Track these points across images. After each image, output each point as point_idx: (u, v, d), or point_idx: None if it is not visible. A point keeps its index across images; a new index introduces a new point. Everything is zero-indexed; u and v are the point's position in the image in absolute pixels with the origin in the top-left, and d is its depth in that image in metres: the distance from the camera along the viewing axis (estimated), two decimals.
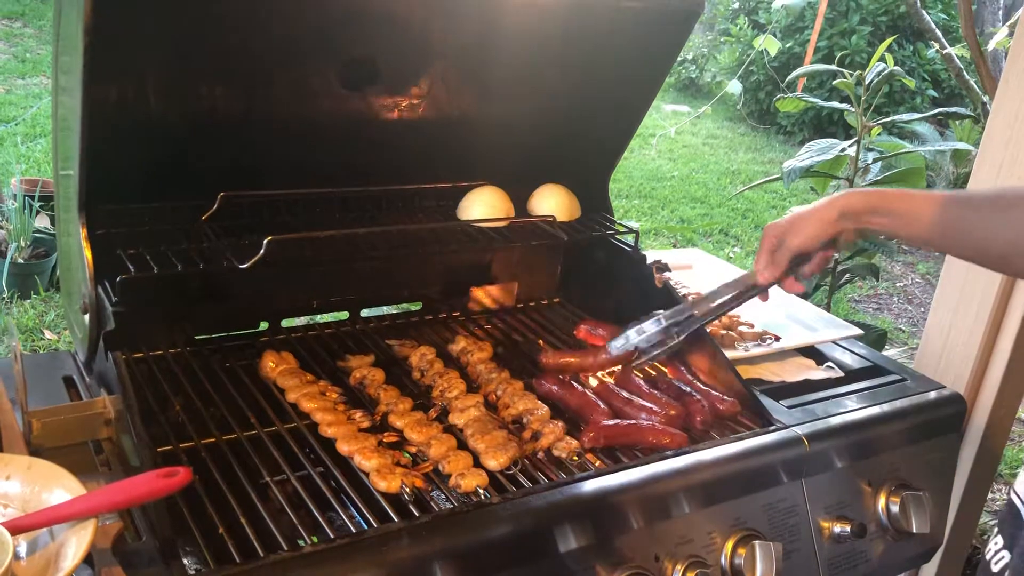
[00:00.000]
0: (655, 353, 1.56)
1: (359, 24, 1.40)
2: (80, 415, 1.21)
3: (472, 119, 1.61)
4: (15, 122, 6.72)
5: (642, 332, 1.56)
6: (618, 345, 1.57)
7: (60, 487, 0.97)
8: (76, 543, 0.92)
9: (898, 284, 6.04)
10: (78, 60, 1.14)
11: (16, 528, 0.90)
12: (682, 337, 1.54)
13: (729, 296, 1.53)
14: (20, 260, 4.30)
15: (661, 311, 1.56)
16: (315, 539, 1.13)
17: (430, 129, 1.60)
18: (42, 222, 4.56)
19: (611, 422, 1.41)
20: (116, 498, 0.94)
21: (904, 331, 5.24)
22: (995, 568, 1.28)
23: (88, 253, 1.29)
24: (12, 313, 4.16)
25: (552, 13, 1.53)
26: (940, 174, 6.31)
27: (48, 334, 4.01)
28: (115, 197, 1.34)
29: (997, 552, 1.29)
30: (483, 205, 1.61)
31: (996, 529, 1.32)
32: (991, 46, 3.70)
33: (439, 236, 1.55)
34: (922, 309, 5.63)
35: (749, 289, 1.52)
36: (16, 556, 0.89)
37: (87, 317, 1.31)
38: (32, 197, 4.50)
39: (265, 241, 1.30)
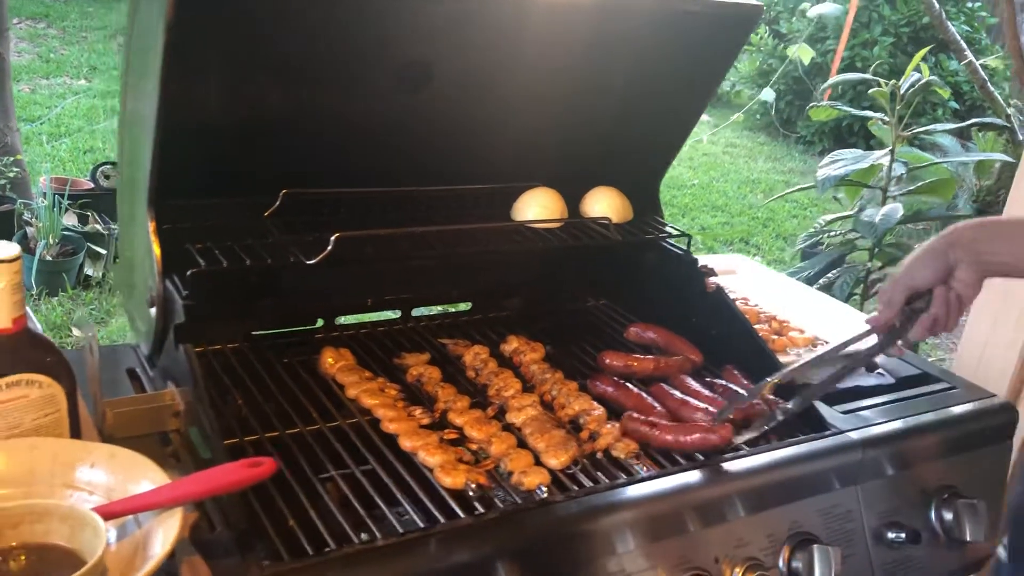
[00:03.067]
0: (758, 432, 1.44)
1: (416, 27, 1.41)
2: (150, 406, 1.23)
3: (526, 121, 1.61)
4: (40, 121, 6.77)
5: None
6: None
7: (144, 477, 0.98)
8: (163, 531, 0.92)
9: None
10: (156, 58, 1.15)
11: (108, 514, 0.91)
12: (785, 416, 1.45)
13: (838, 363, 1.44)
14: (48, 257, 4.34)
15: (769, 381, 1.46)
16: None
17: (484, 130, 1.61)
18: (70, 220, 4.60)
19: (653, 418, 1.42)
20: (204, 487, 0.95)
21: (927, 343, 5.22)
22: None
23: (157, 247, 1.30)
24: (40, 310, 4.19)
25: (610, 16, 1.53)
26: (963, 186, 6.28)
27: (76, 331, 4.04)
28: (181, 193, 1.35)
29: None
30: (537, 206, 1.62)
31: None
32: None
33: (496, 236, 1.56)
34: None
35: (860, 339, 1.43)
36: (107, 543, 0.89)
37: (153, 311, 1.32)
38: (61, 195, 4.53)
39: (333, 237, 1.31)
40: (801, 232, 5.32)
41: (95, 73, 8.32)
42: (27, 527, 0.91)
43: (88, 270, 4.54)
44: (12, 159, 4.72)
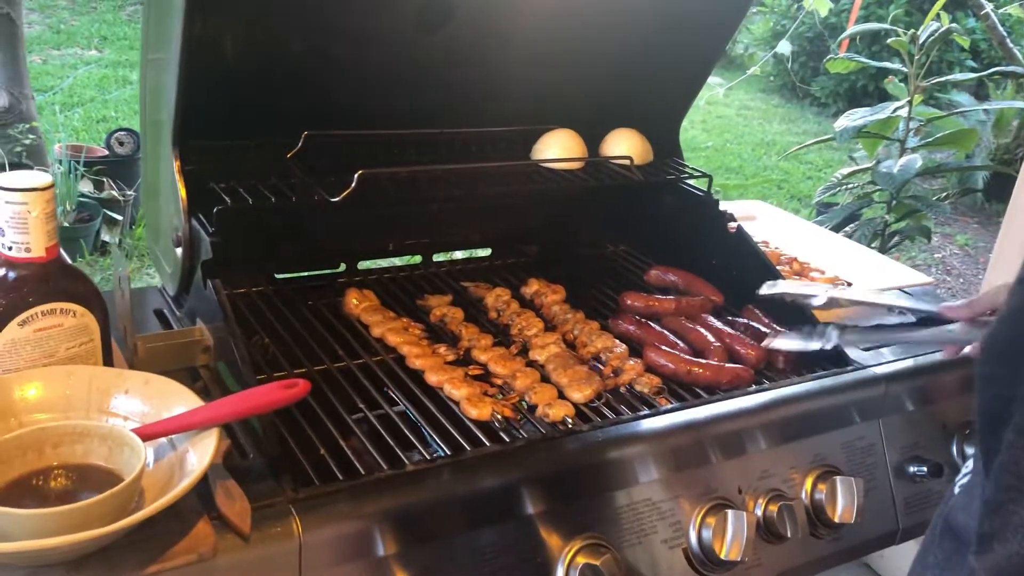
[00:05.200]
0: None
1: None
2: (180, 341, 1.24)
3: (547, 62, 1.60)
4: (53, 92, 6.77)
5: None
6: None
7: (178, 402, 1.00)
8: (198, 452, 0.94)
9: (936, 255, 5.99)
10: (179, 6, 1.16)
11: (145, 435, 0.93)
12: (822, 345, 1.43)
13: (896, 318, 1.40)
14: (65, 224, 4.36)
15: (829, 326, 1.45)
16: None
17: (505, 71, 1.60)
18: (86, 187, 4.61)
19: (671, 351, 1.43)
20: (240, 407, 0.96)
21: (946, 288, 5.22)
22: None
23: (182, 187, 1.31)
24: None
25: None
26: (980, 144, 6.22)
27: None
28: (205, 134, 1.36)
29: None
30: (558, 147, 1.62)
31: None
32: None
33: (516, 175, 1.56)
34: (961, 280, 5.59)
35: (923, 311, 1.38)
36: (145, 464, 0.91)
37: (179, 251, 1.33)
38: (77, 162, 4.55)
39: (356, 175, 1.31)
40: (816, 192, 5.29)
41: (106, 43, 8.31)
42: (67, 447, 0.93)
43: (105, 236, 4.56)
44: (28, 126, 4.73)
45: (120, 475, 0.91)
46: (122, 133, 5.01)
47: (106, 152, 4.96)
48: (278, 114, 1.44)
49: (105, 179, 4.68)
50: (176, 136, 1.30)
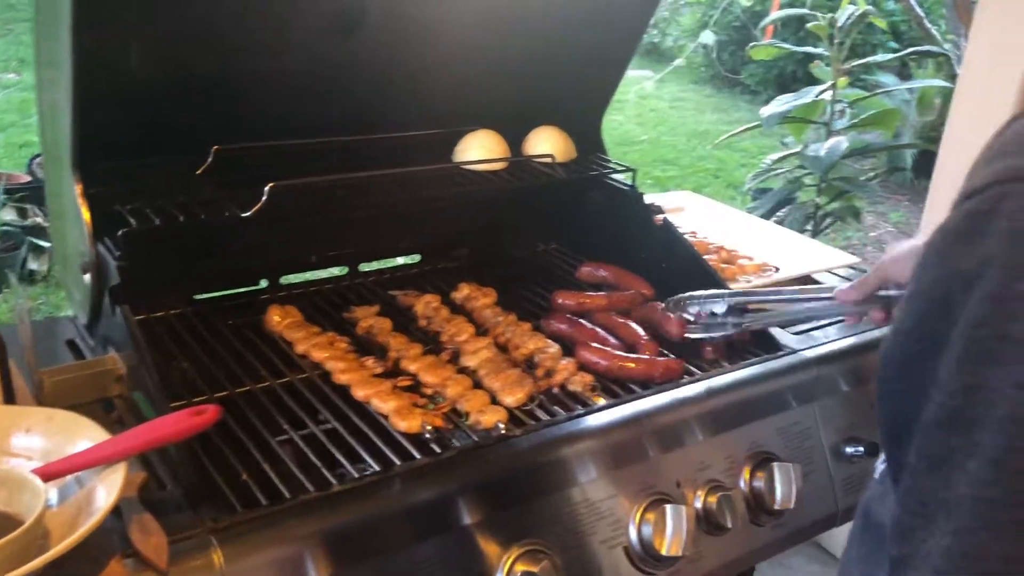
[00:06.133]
0: (712, 336, 1.45)
1: None
2: (90, 372, 1.19)
3: (463, 63, 1.58)
4: None
5: (704, 308, 1.45)
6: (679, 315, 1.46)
7: (83, 437, 0.95)
8: (106, 488, 0.90)
9: (871, 234, 6.10)
10: (65, 18, 1.11)
11: (47, 475, 0.88)
12: (738, 329, 1.44)
13: (797, 296, 1.41)
14: None
15: (725, 292, 1.46)
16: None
17: (421, 75, 1.57)
18: (8, 215, 4.47)
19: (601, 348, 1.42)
20: (146, 438, 0.92)
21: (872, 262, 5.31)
22: None
23: (85, 211, 1.26)
24: None
25: None
26: (906, 123, 6.35)
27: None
28: (108, 154, 1.31)
29: None
30: (480, 149, 1.59)
31: None
32: None
33: (438, 179, 1.53)
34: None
35: (824, 298, 1.38)
36: (47, 504, 0.87)
37: (87, 277, 1.28)
38: None
39: (267, 188, 1.27)
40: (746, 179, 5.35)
41: (24, 66, 8.07)
42: None
43: (32, 264, 4.42)
44: None
45: (20, 519, 0.86)
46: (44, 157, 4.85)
47: (28, 178, 4.81)
48: (187, 130, 1.39)
49: (29, 206, 4.54)
50: (75, 159, 1.25)
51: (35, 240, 4.43)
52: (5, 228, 4.32)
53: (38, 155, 4.92)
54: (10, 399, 1.03)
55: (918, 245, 1.28)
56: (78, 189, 1.26)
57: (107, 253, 1.24)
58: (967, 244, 0.61)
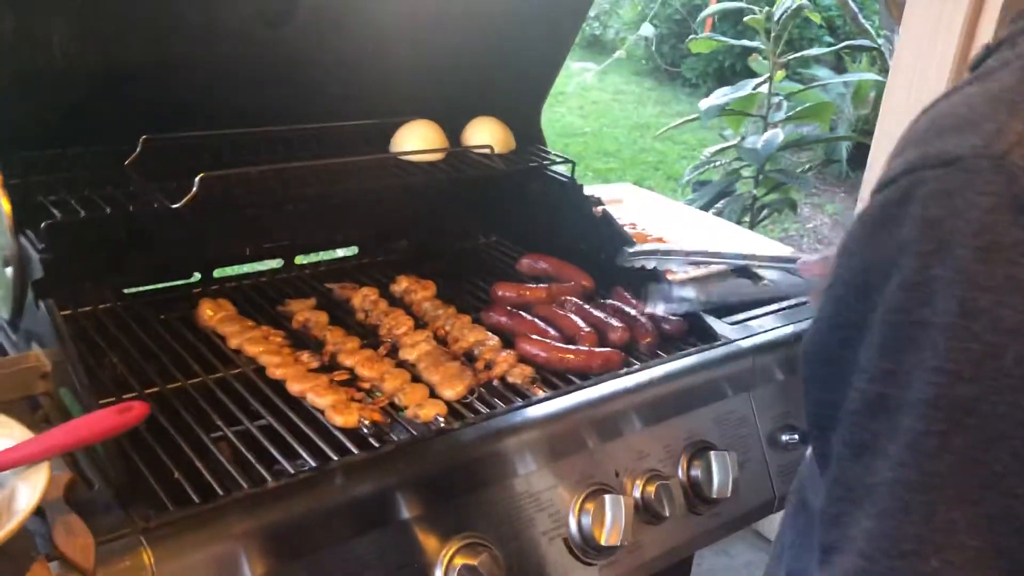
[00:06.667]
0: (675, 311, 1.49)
1: None
2: (13, 370, 1.15)
3: (400, 53, 1.56)
4: None
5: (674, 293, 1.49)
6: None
7: (3, 436, 0.92)
8: (28, 490, 0.87)
9: (808, 225, 6.22)
10: None
11: None
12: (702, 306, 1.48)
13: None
14: None
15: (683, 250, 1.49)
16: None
17: (356, 65, 1.55)
18: None
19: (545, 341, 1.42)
20: (71, 437, 0.89)
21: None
22: None
23: (5, 202, 1.21)
24: None
25: None
26: (841, 116, 6.48)
27: None
28: (31, 144, 1.27)
29: None
30: (417, 139, 1.58)
31: None
32: None
33: (374, 170, 1.51)
34: (832, 248, 5.82)
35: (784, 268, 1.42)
36: None
37: (9, 271, 1.23)
38: None
39: (197, 179, 1.24)
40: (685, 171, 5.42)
41: None
42: None
43: None
44: None
45: None
46: None
47: None
48: (114, 119, 1.35)
49: None
50: None
51: None
52: None
53: None
54: None
55: None
56: None
57: (29, 246, 1.20)
58: (883, 232, 0.62)
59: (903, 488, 0.59)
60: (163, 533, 0.97)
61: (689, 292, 1.45)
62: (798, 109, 3.33)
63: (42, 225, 1.17)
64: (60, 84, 1.28)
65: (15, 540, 0.82)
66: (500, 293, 1.59)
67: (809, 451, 0.93)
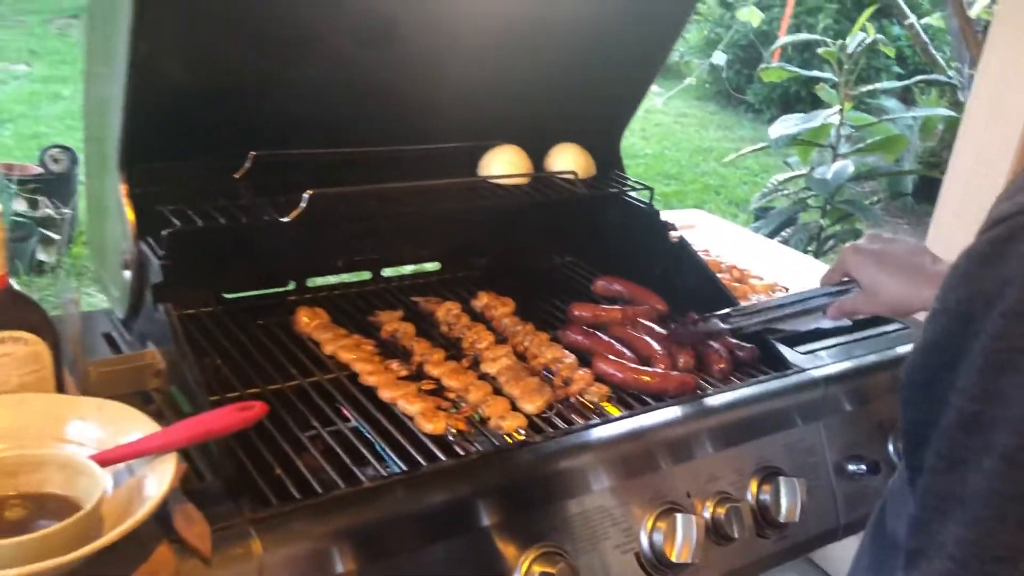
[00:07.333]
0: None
1: None
2: (132, 366, 1.24)
3: (490, 79, 1.63)
4: None
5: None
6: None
7: (134, 427, 1.00)
8: (157, 477, 0.94)
9: None
10: (124, 25, 1.16)
11: (103, 461, 0.93)
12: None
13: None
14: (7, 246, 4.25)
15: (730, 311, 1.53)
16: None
17: (449, 89, 1.62)
18: (19, 206, 4.51)
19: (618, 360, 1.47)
20: (196, 431, 0.97)
21: None
22: None
23: (130, 211, 1.31)
24: None
25: None
26: (908, 148, 6.42)
27: None
28: (151, 157, 1.36)
29: None
30: (504, 163, 1.64)
31: None
32: (972, 14, 3.79)
33: (462, 191, 1.58)
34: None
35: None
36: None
37: (127, 274, 1.33)
38: (10, 180, 4.45)
39: (306, 195, 1.33)
40: (753, 198, 5.42)
41: (35, 57, 8.13)
42: (24, 477, 0.92)
43: (41, 255, 4.47)
44: None
45: (78, 503, 0.91)
46: (56, 150, 4.90)
47: (40, 170, 4.85)
48: (225, 135, 1.44)
49: (40, 197, 4.58)
50: (123, 160, 1.30)
51: (45, 231, 4.47)
52: (16, 219, 4.37)
53: (50, 147, 4.97)
54: (60, 386, 1.08)
55: (887, 251, 1.36)
56: (123, 189, 1.31)
57: (149, 251, 1.29)
58: (989, 267, 0.68)
59: (997, 498, 0.65)
60: (269, 524, 1.04)
61: (716, 323, 1.50)
62: (869, 142, 3.34)
63: (164, 233, 1.26)
64: (180, 102, 1.37)
65: (143, 524, 0.90)
66: (576, 313, 1.65)
67: (893, 479, 0.97)
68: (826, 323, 1.48)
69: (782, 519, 1.38)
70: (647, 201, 1.78)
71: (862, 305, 1.42)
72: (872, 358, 1.64)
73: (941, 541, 0.67)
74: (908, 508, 0.74)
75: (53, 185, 4.71)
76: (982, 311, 0.67)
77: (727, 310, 1.52)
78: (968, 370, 0.68)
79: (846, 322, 1.74)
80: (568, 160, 1.70)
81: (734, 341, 1.57)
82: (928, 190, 6.02)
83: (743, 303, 1.60)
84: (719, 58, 5.59)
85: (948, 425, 0.69)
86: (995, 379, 0.66)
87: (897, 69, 8.96)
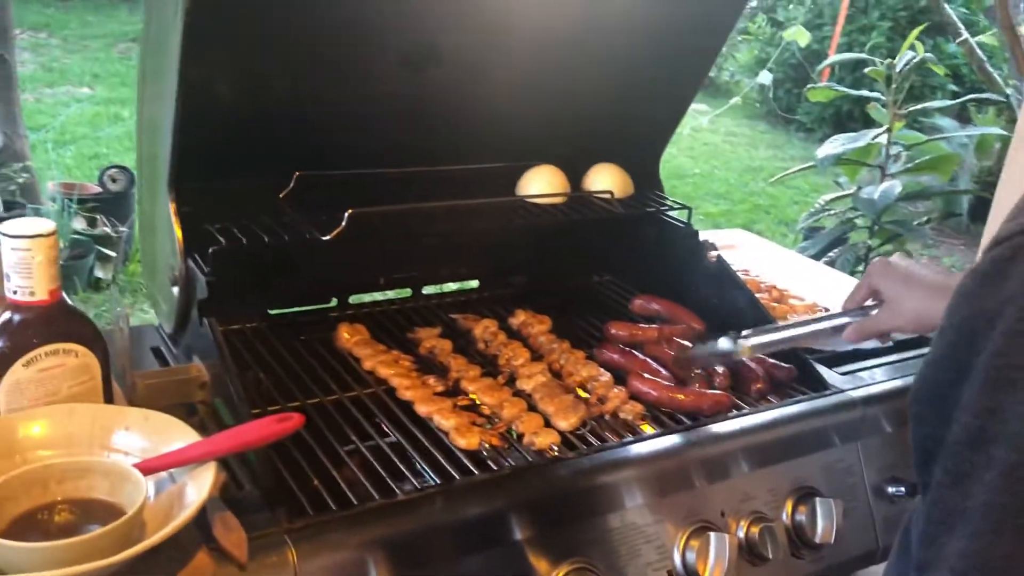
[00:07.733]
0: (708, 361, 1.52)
1: (421, 9, 1.46)
2: (177, 379, 1.28)
3: (529, 100, 1.66)
4: (45, 130, 6.83)
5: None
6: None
7: (177, 437, 1.04)
8: (197, 485, 0.98)
9: None
10: (175, 46, 1.21)
11: (146, 469, 0.97)
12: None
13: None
14: (59, 262, 4.39)
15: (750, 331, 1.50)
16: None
17: (488, 110, 1.66)
18: (79, 224, 4.66)
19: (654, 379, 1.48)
20: (236, 441, 1.00)
21: None
22: None
23: (178, 229, 1.36)
24: None
25: None
26: (963, 166, 6.31)
27: None
28: (199, 176, 1.41)
29: None
30: (541, 183, 1.67)
31: None
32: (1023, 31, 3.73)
33: (501, 211, 1.61)
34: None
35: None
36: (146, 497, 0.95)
37: (176, 290, 1.37)
38: (70, 200, 4.60)
39: (347, 214, 1.36)
40: (800, 217, 5.37)
41: (97, 80, 8.40)
42: (71, 483, 0.96)
43: (98, 272, 4.61)
44: (21, 165, 4.79)
45: (122, 508, 0.95)
46: (115, 170, 5.06)
47: (99, 189, 5.01)
48: (270, 155, 1.49)
49: (98, 216, 4.73)
50: (172, 179, 1.35)
51: (102, 249, 4.61)
52: (75, 236, 4.51)
53: (109, 167, 5.13)
54: (108, 397, 1.13)
55: (916, 268, 1.36)
56: (172, 207, 1.36)
57: (196, 268, 1.33)
58: (991, 286, 0.69)
59: (996, 512, 0.65)
60: (304, 534, 1.07)
61: (727, 344, 1.48)
62: (918, 161, 3.30)
63: (210, 250, 1.30)
64: (225, 123, 1.41)
65: (183, 530, 0.93)
66: (613, 331, 1.66)
67: (918, 498, 0.97)
68: (846, 345, 1.46)
69: (818, 540, 1.37)
70: (685, 221, 1.78)
71: (883, 322, 1.41)
72: (910, 379, 1.62)
73: (945, 555, 0.68)
74: (919, 523, 0.75)
75: (111, 204, 4.86)
76: (984, 329, 0.68)
77: (747, 331, 1.48)
78: (971, 387, 0.69)
79: (887, 342, 1.73)
80: (605, 180, 1.72)
81: (772, 361, 1.57)
82: (983, 210, 5.90)
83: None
84: (765, 77, 5.57)
85: (954, 441, 0.70)
86: (995, 396, 0.67)
87: (953, 87, 8.82)
